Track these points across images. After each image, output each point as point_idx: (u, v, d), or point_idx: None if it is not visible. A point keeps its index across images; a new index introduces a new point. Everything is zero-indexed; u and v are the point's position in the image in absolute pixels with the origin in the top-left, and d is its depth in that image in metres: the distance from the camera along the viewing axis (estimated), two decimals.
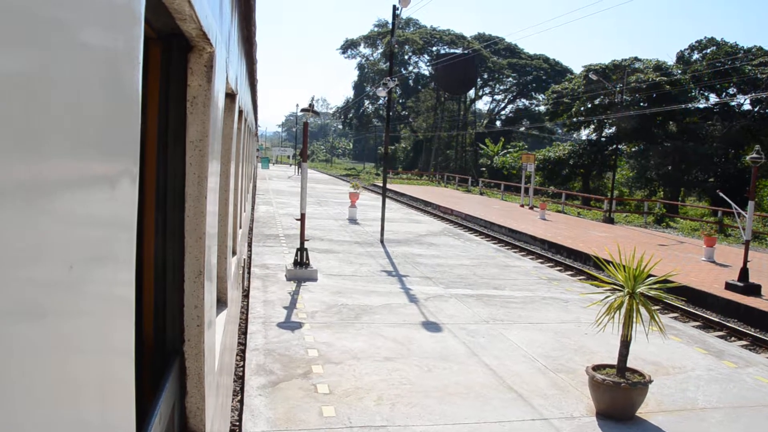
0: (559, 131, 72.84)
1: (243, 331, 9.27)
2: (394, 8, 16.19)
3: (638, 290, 5.96)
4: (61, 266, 0.79)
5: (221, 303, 4.25)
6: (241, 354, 8.24)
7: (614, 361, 7.74)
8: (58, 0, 0.74)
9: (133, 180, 1.16)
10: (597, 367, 6.29)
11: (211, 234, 2.69)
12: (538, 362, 7.58)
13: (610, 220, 28.30)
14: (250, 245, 15.73)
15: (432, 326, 8.84)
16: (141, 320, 2.28)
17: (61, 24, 0.76)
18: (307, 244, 11.77)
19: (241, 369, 7.51)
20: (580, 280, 14.50)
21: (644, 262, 6.07)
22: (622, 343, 6.03)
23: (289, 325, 8.49)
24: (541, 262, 16.98)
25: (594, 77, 32.96)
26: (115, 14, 0.99)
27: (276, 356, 7.19)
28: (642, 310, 5.95)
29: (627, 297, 5.93)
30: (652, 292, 6.09)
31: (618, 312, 5.95)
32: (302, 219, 11.87)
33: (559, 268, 16.47)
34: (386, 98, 19.63)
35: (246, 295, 10.73)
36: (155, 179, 2.30)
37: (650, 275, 6.11)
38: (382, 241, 16.64)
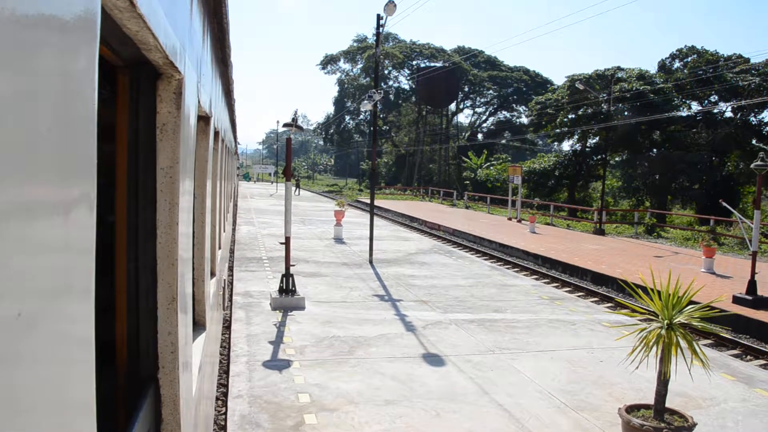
0: (540, 142, 72.78)
1: (225, 370, 8.37)
2: (379, 17, 15.51)
3: (676, 320, 5.22)
4: (8, 305, 0.72)
5: (199, 326, 4.21)
6: (223, 399, 7.34)
7: (638, 394, 7.01)
8: (10, 21, 0.71)
9: (90, 206, 1.10)
10: (631, 409, 5.51)
11: (185, 259, 2.67)
12: (556, 399, 6.79)
13: (601, 232, 27.73)
14: (231, 269, 14.80)
15: (434, 359, 8.01)
16: (113, 348, 2.30)
17: (14, 46, 0.73)
18: (292, 269, 10.91)
19: (223, 418, 6.62)
20: (579, 297, 13.80)
21: (681, 286, 5.34)
22: (660, 381, 5.27)
23: (276, 363, 7.60)
24: (537, 279, 16.29)
25: (581, 86, 32.58)
26: (68, 37, 0.95)
27: (262, 404, 6.31)
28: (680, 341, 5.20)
29: (665, 329, 5.18)
30: (695, 323, 5.34)
31: (655, 346, 5.18)
32: (287, 242, 11.00)
33: (556, 284, 15.78)
34: (370, 112, 18.91)
35: (228, 327, 9.83)
36: (125, 206, 2.30)
37: (692, 302, 5.37)
38: (371, 262, 15.80)
